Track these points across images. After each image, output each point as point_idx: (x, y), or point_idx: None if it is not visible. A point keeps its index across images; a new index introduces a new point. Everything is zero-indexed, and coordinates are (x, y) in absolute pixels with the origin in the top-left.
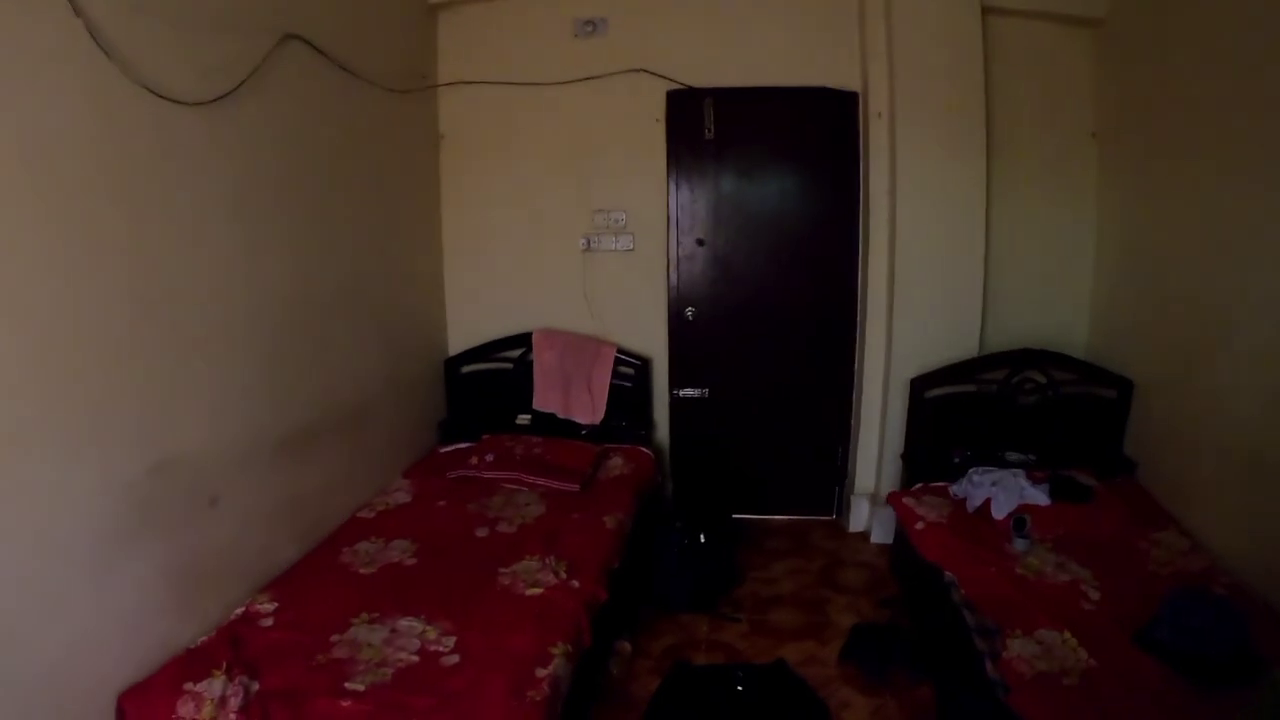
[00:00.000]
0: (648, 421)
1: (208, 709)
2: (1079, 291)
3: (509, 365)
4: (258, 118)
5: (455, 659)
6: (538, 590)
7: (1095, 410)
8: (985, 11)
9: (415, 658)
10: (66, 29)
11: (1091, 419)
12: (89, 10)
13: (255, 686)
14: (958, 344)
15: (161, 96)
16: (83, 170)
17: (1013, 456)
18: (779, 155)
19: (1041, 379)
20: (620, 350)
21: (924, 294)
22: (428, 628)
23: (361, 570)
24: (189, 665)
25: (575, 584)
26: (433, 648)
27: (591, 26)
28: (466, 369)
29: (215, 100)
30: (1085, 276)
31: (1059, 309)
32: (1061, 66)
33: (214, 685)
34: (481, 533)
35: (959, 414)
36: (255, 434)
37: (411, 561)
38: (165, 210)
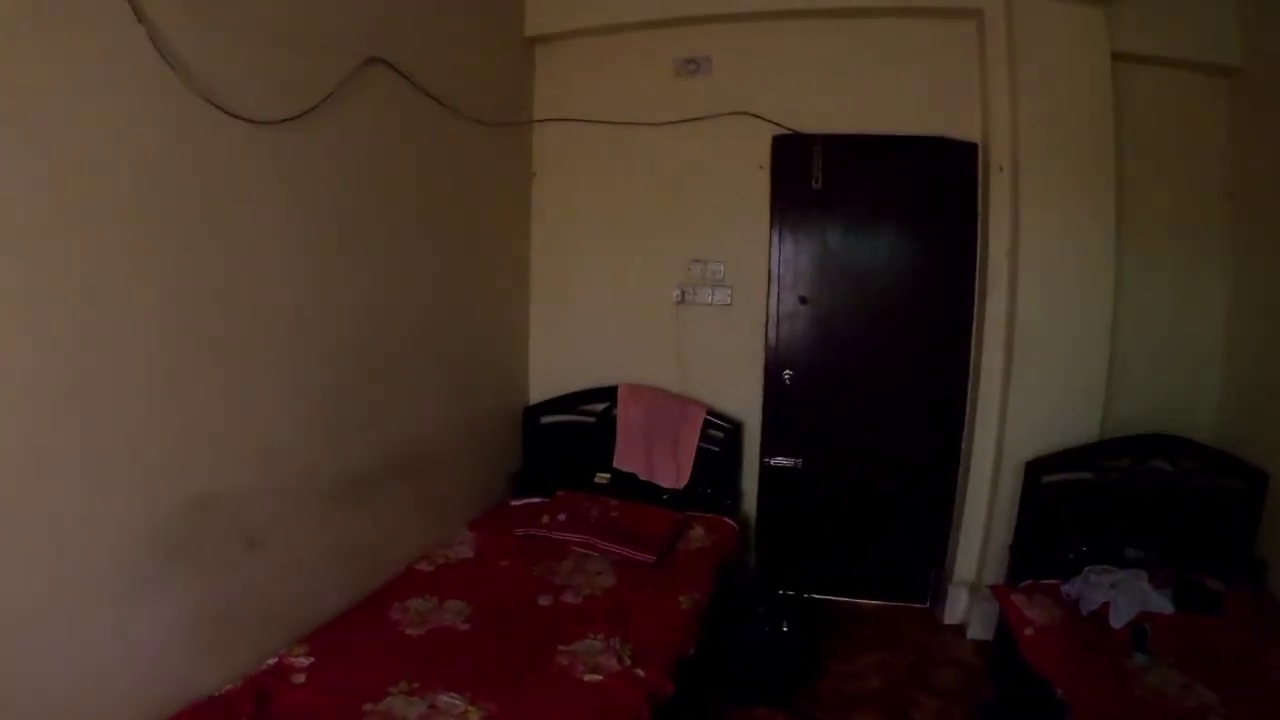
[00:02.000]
0: (735, 490)
1: None
2: (1206, 369)
3: (591, 419)
4: (333, 142)
5: None
6: (597, 677)
7: (1222, 504)
8: (1115, 58)
9: None
10: (128, 38)
11: (1218, 514)
12: (155, 20)
13: None
14: (1078, 425)
15: (229, 113)
16: (140, 187)
17: (1131, 553)
18: (890, 209)
19: (1168, 467)
20: (710, 412)
21: (1044, 368)
22: (470, 709)
23: (409, 631)
24: (207, 714)
25: (640, 673)
26: None
27: (694, 65)
28: (546, 420)
29: (287, 120)
30: (1213, 353)
31: (1183, 388)
32: (1195, 119)
33: None
34: (544, 600)
35: (1075, 503)
36: (306, 475)
37: (465, 627)
38: (225, 232)
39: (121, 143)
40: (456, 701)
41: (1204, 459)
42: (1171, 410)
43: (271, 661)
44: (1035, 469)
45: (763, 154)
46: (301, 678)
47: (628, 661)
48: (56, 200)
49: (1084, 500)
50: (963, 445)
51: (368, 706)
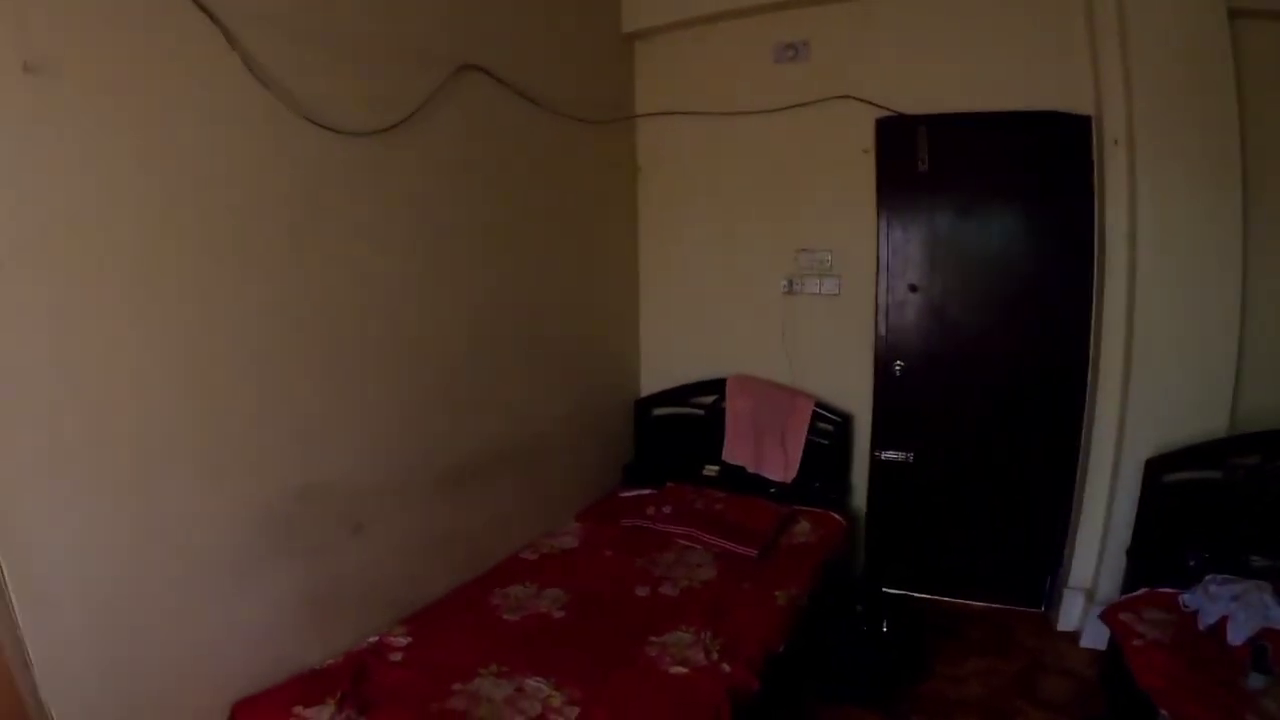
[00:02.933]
0: (844, 484)
1: None
2: None
3: (701, 411)
4: (431, 148)
5: None
6: (683, 670)
7: None
8: (1232, 15)
9: None
10: (224, 65)
11: None
12: (247, 46)
13: None
14: (1205, 420)
15: (324, 126)
16: (244, 199)
17: (1258, 561)
18: (1001, 190)
19: None
20: (819, 404)
21: (1167, 358)
22: (554, 693)
23: (506, 616)
24: (307, 686)
25: (726, 668)
26: (553, 717)
27: (793, 51)
28: (658, 412)
29: (381, 131)
30: None
31: None
32: None
33: (322, 712)
34: (642, 591)
35: (1200, 504)
36: (413, 465)
37: (560, 614)
38: (326, 239)
39: (226, 161)
40: (542, 686)
41: None
42: None
43: (372, 640)
44: (1156, 467)
45: (867, 138)
46: (398, 656)
47: (715, 655)
48: (172, 218)
49: (1209, 501)
50: (1082, 440)
51: (457, 685)
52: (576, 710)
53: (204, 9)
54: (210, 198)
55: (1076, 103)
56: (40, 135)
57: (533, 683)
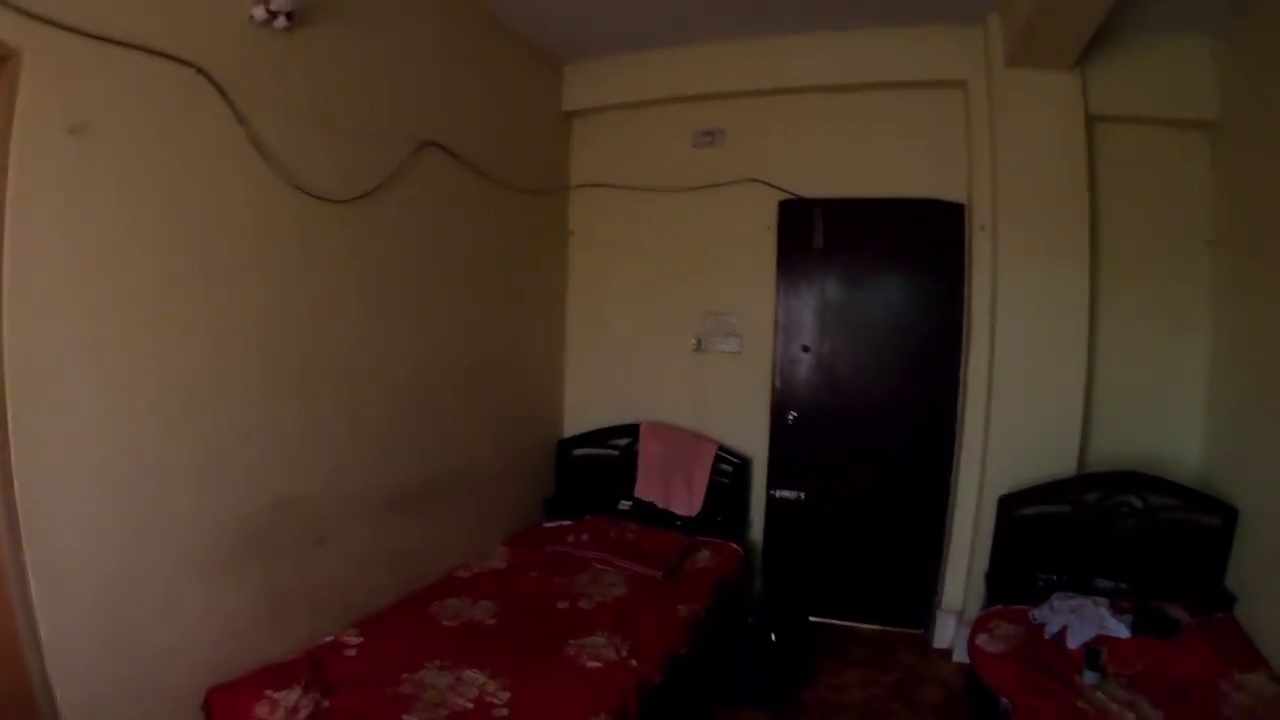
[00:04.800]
0: (743, 519)
1: (280, 714)
2: (1190, 410)
3: (616, 452)
4: (394, 214)
5: (505, 712)
6: (597, 664)
7: (1197, 539)
8: (1092, 119)
9: (470, 705)
10: (231, 136)
11: (1192, 548)
12: (251, 120)
13: (325, 703)
14: (1055, 462)
15: (309, 194)
16: (236, 255)
17: (1103, 584)
18: (885, 265)
19: (1139, 503)
20: (721, 448)
21: (1021, 409)
22: (489, 681)
23: (445, 622)
24: (274, 675)
25: (634, 663)
26: (488, 699)
27: (710, 137)
28: (578, 452)
29: (355, 199)
30: (1197, 394)
31: (1168, 427)
32: (1174, 172)
33: (290, 695)
34: (562, 605)
35: (1051, 535)
36: (369, 488)
37: (491, 622)
38: (305, 291)
39: (228, 218)
40: (478, 676)
41: (1178, 495)
42: (1157, 449)
43: (328, 639)
44: (1008, 503)
45: (770, 216)
46: (352, 652)
47: (624, 654)
48: (183, 266)
49: (1060, 532)
50: (950, 480)
51: (405, 675)
52: (508, 694)
53: (219, 89)
54: (216, 250)
55: (953, 192)
56: (78, 189)
57: (470, 673)
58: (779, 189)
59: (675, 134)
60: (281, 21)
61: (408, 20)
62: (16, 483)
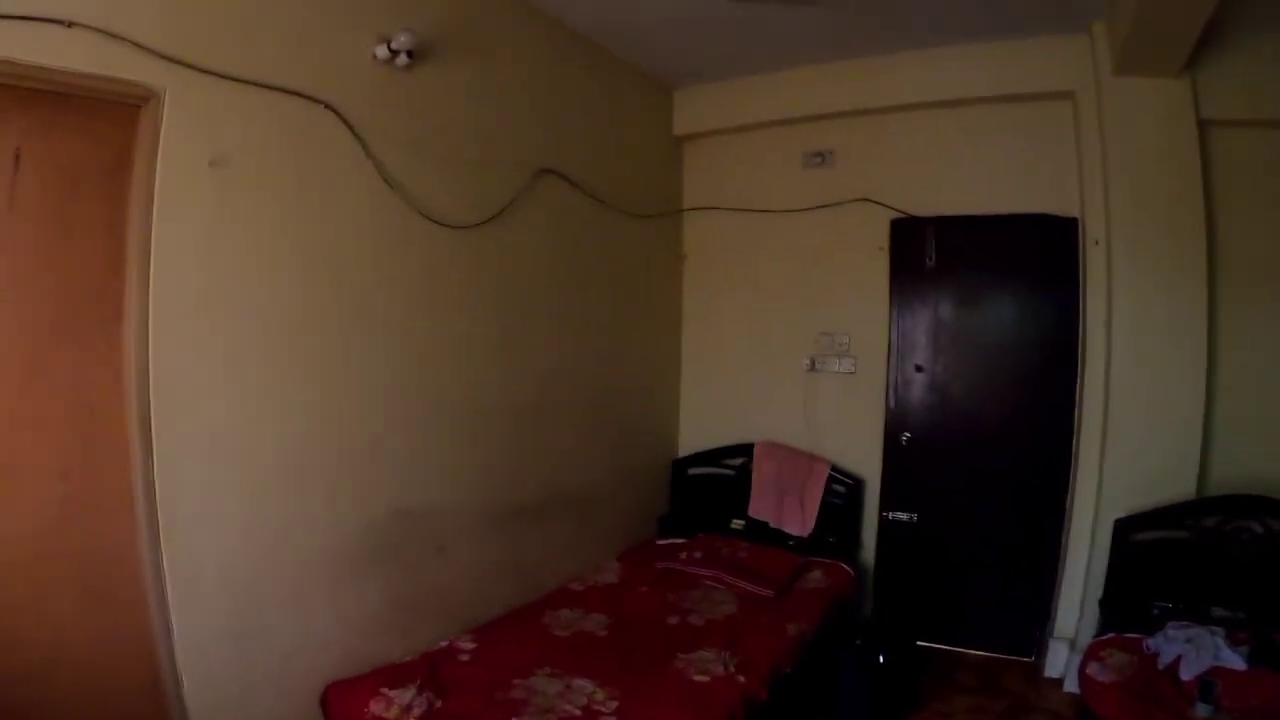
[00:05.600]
0: (855, 540)
1: (394, 711)
2: None
3: (731, 472)
4: (514, 239)
5: None
6: (704, 678)
7: None
8: (1204, 124)
9: (579, 712)
10: (359, 167)
11: None
12: (379, 155)
13: (438, 704)
14: (1173, 485)
15: (434, 220)
16: (366, 278)
17: (1220, 613)
18: (998, 283)
19: (1260, 528)
20: (834, 469)
21: (1138, 430)
22: (597, 690)
23: (557, 633)
24: (390, 675)
25: (741, 679)
26: (596, 707)
27: (820, 158)
28: (693, 471)
29: (477, 225)
30: None
31: None
32: None
33: (405, 695)
34: (672, 620)
35: (1168, 561)
36: (489, 501)
37: (603, 633)
38: (430, 312)
39: (358, 245)
40: (587, 684)
41: None
42: None
43: (444, 644)
44: (1124, 527)
45: (882, 236)
46: (466, 657)
47: (732, 669)
48: (316, 288)
49: (1176, 557)
50: (1066, 504)
51: (517, 681)
52: (616, 704)
53: (347, 124)
54: (346, 273)
55: (1066, 206)
56: (218, 218)
57: (579, 682)
58: (890, 208)
59: (785, 155)
60: (403, 59)
61: (521, 55)
62: (159, 488)
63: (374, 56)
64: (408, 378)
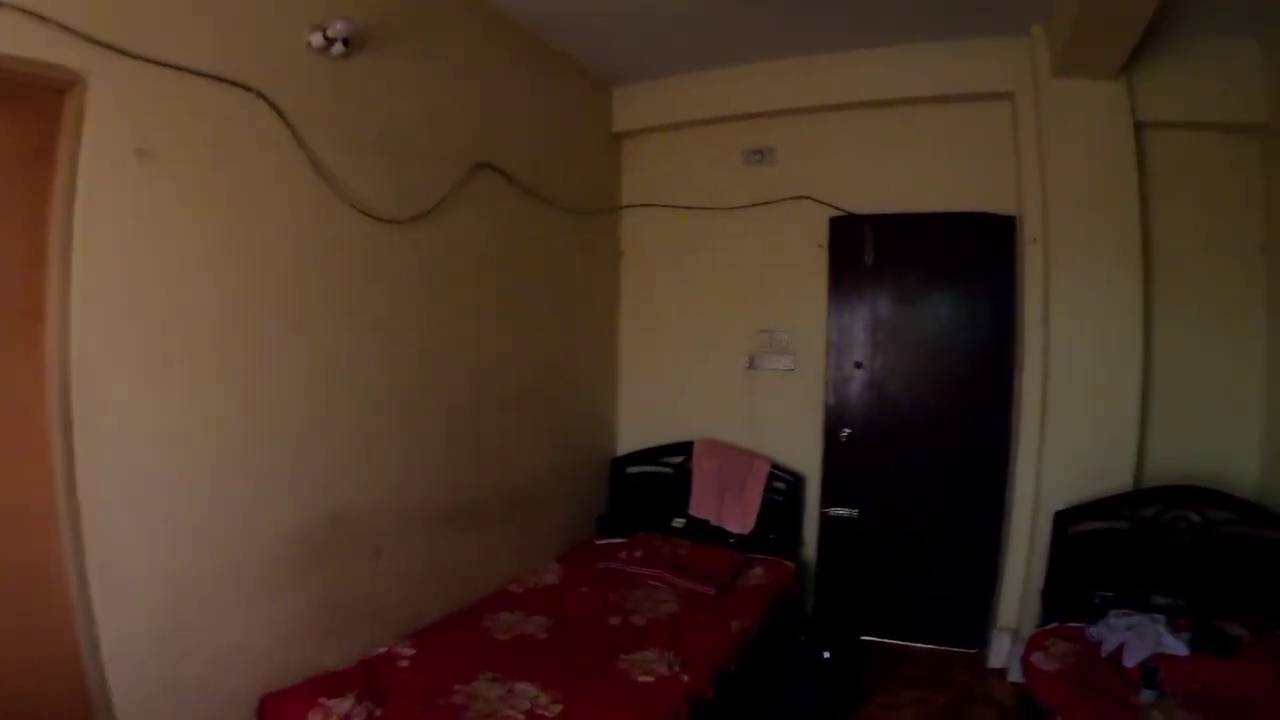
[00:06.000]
0: (796, 536)
1: None
2: (1249, 422)
3: (670, 470)
4: (449, 235)
5: None
6: (649, 679)
7: (1257, 554)
8: (1140, 126)
9: (521, 717)
10: (291, 158)
11: (1252, 564)
12: (312, 145)
13: (378, 712)
14: (1111, 477)
15: (366, 214)
16: (297, 273)
17: (1160, 600)
18: (936, 280)
19: (1196, 518)
20: (774, 466)
21: (1076, 424)
22: (540, 694)
23: (497, 636)
24: (327, 683)
25: (685, 678)
26: (540, 711)
27: (759, 155)
28: (632, 470)
29: (412, 220)
30: (1256, 405)
31: (1226, 440)
32: (1224, 177)
33: (343, 704)
34: (614, 620)
35: (1107, 551)
36: (425, 503)
37: (543, 636)
38: (363, 309)
39: (288, 239)
40: (530, 688)
41: (1237, 509)
42: (1215, 463)
43: (382, 650)
44: (1063, 519)
45: (821, 234)
46: (405, 663)
47: (676, 669)
48: (244, 284)
49: (1117, 548)
50: (1005, 497)
51: (458, 687)
52: (560, 707)
53: (279, 112)
54: (276, 268)
55: (1003, 204)
56: (144, 210)
57: (521, 686)
58: (829, 205)
59: (725, 153)
60: (339, 48)
61: (458, 45)
62: (81, 493)
63: (309, 44)
64: (339, 377)
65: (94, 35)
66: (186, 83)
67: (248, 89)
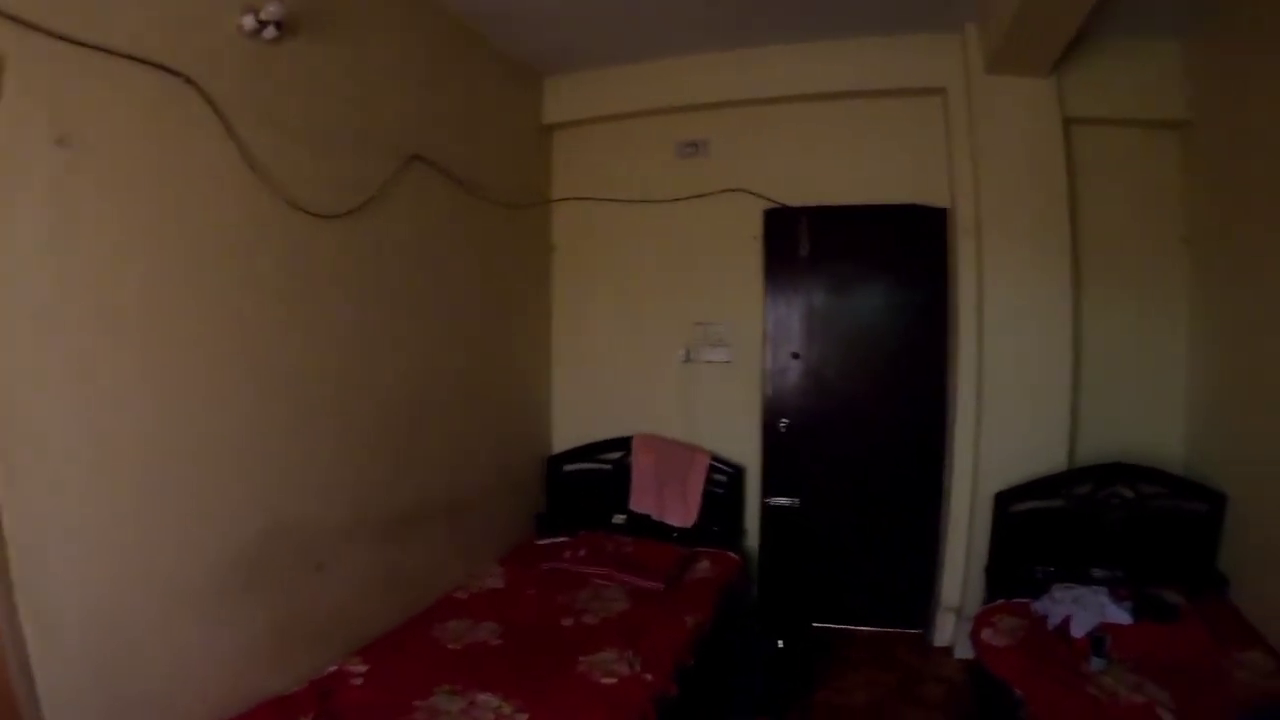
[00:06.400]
0: (738, 528)
1: None
2: (1173, 402)
3: (608, 466)
4: (382, 230)
5: None
6: (611, 680)
7: (1187, 525)
8: (1068, 121)
9: None
10: (221, 148)
11: (1182, 534)
12: (243, 137)
13: None
14: (1046, 457)
15: (299, 208)
16: (227, 270)
17: (1099, 573)
18: (871, 271)
19: (1129, 493)
20: (715, 458)
21: (1011, 407)
22: (503, 704)
23: (450, 646)
24: (278, 709)
25: (648, 677)
26: None
27: (693, 148)
28: (568, 467)
29: (346, 214)
30: (1178, 386)
31: (1153, 419)
32: (1149, 171)
33: None
34: (567, 622)
35: (1046, 528)
36: (365, 510)
37: (497, 642)
38: (296, 308)
39: (219, 235)
40: (492, 699)
41: (1166, 484)
42: (1144, 441)
43: (332, 668)
44: (1004, 499)
45: (756, 226)
46: (359, 681)
47: (637, 668)
48: (172, 284)
49: (1054, 525)
50: (944, 480)
51: (417, 703)
52: (525, 716)
53: (209, 100)
54: (206, 268)
55: (936, 197)
56: (65, 202)
57: (483, 697)
58: (764, 198)
59: (658, 145)
60: (271, 32)
61: (393, 33)
62: (3, 521)
63: (240, 28)
64: (274, 380)
65: (8, 9)
66: (111, 65)
67: (177, 74)
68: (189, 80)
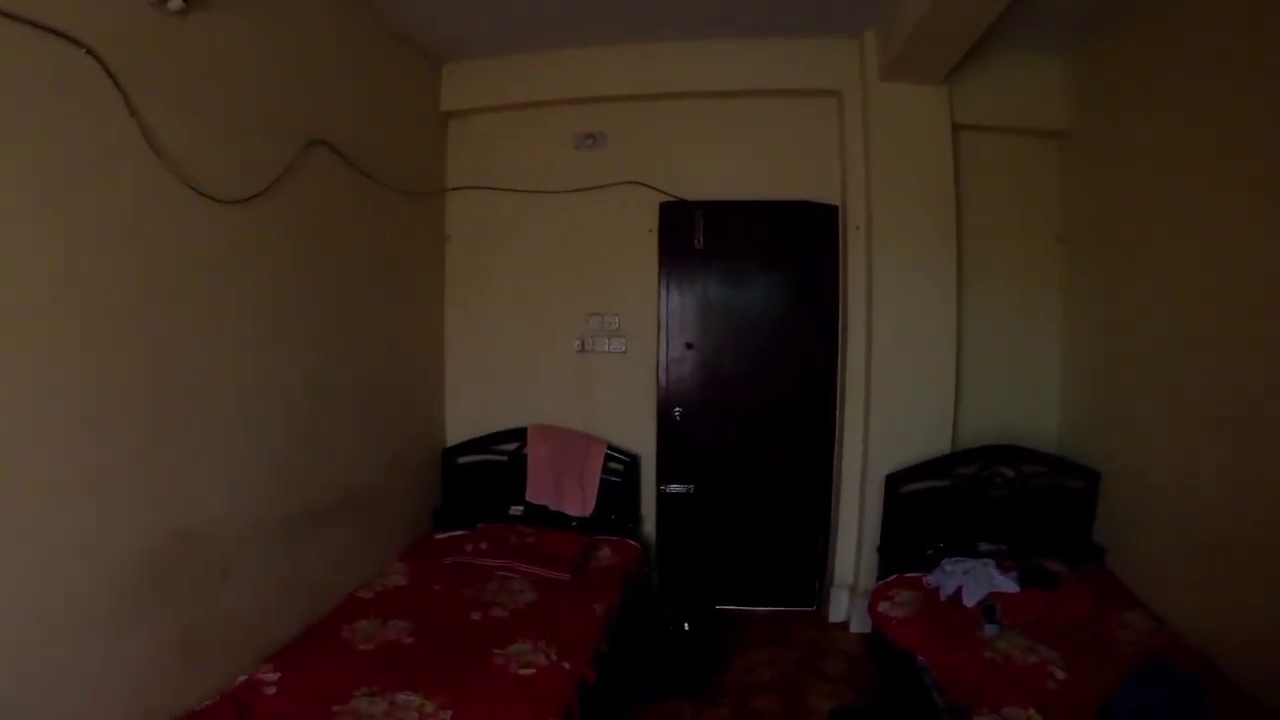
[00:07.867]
0: (636, 515)
1: None
2: (1048, 388)
3: (504, 458)
4: (283, 217)
5: None
6: (530, 670)
7: (1065, 500)
8: (957, 127)
9: None
10: (121, 126)
11: (1061, 509)
12: (142, 110)
13: None
14: (932, 441)
15: (202, 193)
16: (124, 258)
17: (985, 547)
18: (764, 264)
19: (1010, 472)
20: (611, 447)
21: (899, 394)
22: (426, 702)
23: (361, 646)
24: None
25: (566, 665)
26: None
27: (591, 140)
28: (463, 460)
29: (248, 199)
30: (1053, 374)
31: (1031, 404)
32: (1030, 176)
33: None
34: (476, 615)
35: (933, 507)
36: (267, 511)
37: (409, 640)
38: (194, 300)
39: (118, 222)
40: (413, 698)
41: (1045, 463)
42: (1022, 425)
43: (243, 678)
44: (894, 480)
45: (652, 219)
46: (273, 689)
47: (554, 657)
48: (69, 274)
49: (941, 504)
50: (834, 464)
51: (336, 708)
52: (450, 713)
53: (111, 76)
54: (101, 253)
55: (828, 194)
56: None
57: (403, 696)
58: (660, 191)
59: (556, 136)
60: (177, 3)
61: (297, 11)
62: None
63: None
64: (173, 380)
65: None
66: (6, 30)
67: (75, 42)
68: (90, 51)
